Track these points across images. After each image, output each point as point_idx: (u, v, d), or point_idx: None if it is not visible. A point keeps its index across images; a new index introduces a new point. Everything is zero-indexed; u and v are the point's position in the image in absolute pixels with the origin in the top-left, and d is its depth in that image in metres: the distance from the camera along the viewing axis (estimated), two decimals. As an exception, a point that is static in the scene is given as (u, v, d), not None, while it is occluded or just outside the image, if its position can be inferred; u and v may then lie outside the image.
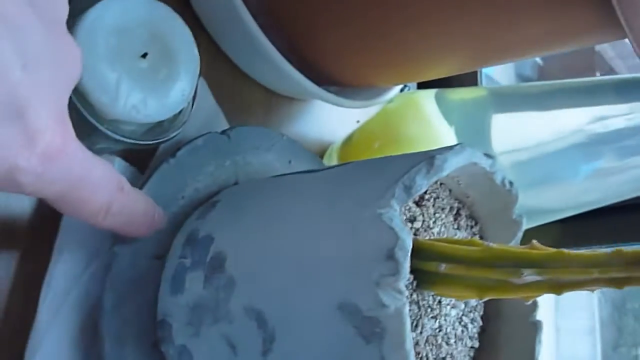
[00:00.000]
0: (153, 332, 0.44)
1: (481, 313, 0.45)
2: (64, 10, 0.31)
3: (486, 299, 0.38)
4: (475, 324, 0.44)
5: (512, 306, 0.46)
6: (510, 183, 0.43)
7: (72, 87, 0.32)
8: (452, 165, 0.37)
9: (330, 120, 0.66)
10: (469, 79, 0.84)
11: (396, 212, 0.34)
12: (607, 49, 2.39)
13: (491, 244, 0.37)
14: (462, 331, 0.43)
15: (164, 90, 0.41)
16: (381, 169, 0.38)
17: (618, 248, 0.34)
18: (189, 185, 0.47)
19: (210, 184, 0.48)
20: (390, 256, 0.33)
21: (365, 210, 0.35)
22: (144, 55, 0.40)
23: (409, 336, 0.32)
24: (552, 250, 0.36)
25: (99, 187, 0.35)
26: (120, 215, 0.37)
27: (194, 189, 0.47)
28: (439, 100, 0.58)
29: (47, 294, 0.43)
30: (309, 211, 0.39)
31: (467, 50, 0.50)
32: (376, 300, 0.32)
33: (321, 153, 0.64)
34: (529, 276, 0.35)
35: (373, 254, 0.33)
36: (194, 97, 0.45)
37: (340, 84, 0.59)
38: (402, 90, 0.75)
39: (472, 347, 0.44)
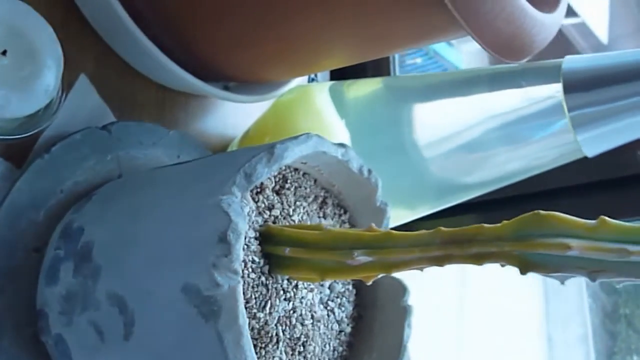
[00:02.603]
0: (33, 323, 0.49)
1: (351, 299, 0.50)
2: None
3: (328, 280, 0.43)
4: (343, 308, 0.49)
5: (386, 293, 0.51)
6: (369, 171, 0.48)
7: None
8: (294, 154, 0.42)
9: (233, 115, 0.71)
10: (383, 68, 0.89)
11: (236, 199, 0.39)
12: (579, 41, 2.46)
13: (330, 228, 0.42)
14: (328, 315, 0.48)
15: (27, 86, 0.45)
16: (230, 160, 0.43)
17: (438, 227, 0.39)
18: (67, 179, 0.51)
19: (91, 178, 0.52)
20: (223, 239, 0.38)
21: (210, 198, 0.40)
22: (4, 53, 0.45)
23: (243, 313, 0.37)
24: (383, 231, 0.41)
25: None
26: None
27: (73, 183, 0.52)
28: (333, 93, 0.62)
29: None
30: (164, 200, 0.44)
31: (350, 43, 0.55)
32: (212, 280, 0.37)
33: (224, 148, 0.69)
34: (361, 257, 0.40)
35: (210, 237, 0.38)
36: (63, 91, 0.49)
37: (237, 79, 0.64)
38: (309, 81, 0.80)
39: (341, 331, 0.49)
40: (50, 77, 0.47)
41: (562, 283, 0.38)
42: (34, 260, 0.50)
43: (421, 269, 0.40)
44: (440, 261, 0.39)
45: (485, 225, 0.38)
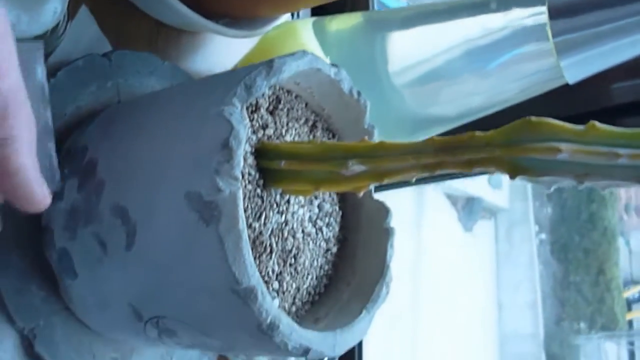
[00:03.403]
0: (38, 240, 0.48)
1: (337, 220, 0.50)
2: None
3: (322, 190, 0.42)
4: (331, 227, 0.49)
5: (369, 216, 0.51)
6: (358, 93, 0.48)
7: None
8: (291, 68, 0.42)
9: (221, 52, 0.70)
10: (361, 4, 0.87)
11: (237, 109, 0.39)
12: None
13: (325, 140, 0.42)
14: (317, 233, 0.48)
15: (37, 7, 0.45)
16: (231, 75, 0.43)
17: (431, 137, 0.39)
18: (70, 103, 0.51)
19: (92, 103, 0.52)
20: (225, 144, 0.37)
21: (212, 109, 0.39)
22: (17, -22, 0.44)
23: (242, 217, 0.37)
24: (375, 142, 0.40)
25: None
26: None
27: (76, 107, 0.51)
28: (316, 28, 0.61)
29: None
30: (167, 114, 0.43)
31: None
32: (214, 185, 0.37)
33: (213, 84, 0.69)
34: (355, 166, 0.40)
35: (213, 144, 0.38)
36: (69, 16, 0.49)
37: (227, 16, 0.63)
38: (292, 18, 0.79)
39: (328, 250, 0.49)
40: (58, 1, 0.46)
41: (549, 189, 0.38)
42: (40, 180, 0.49)
43: (413, 177, 0.40)
44: (432, 168, 0.39)
45: (477, 132, 0.38)
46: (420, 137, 0.58)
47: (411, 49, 0.58)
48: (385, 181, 0.40)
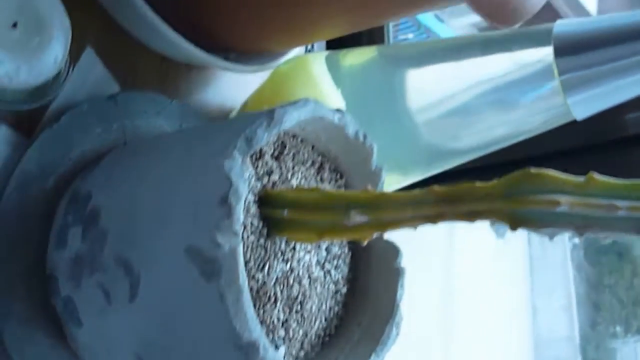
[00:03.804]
0: (43, 287, 0.49)
1: (346, 261, 0.50)
2: None
3: (325, 240, 0.43)
4: (339, 270, 0.49)
5: (380, 255, 0.51)
6: (364, 136, 0.48)
7: None
8: (293, 118, 0.42)
9: (232, 86, 0.70)
10: (377, 39, 0.88)
11: (237, 162, 0.39)
12: (568, 13, 2.45)
13: (327, 189, 0.42)
14: (325, 276, 0.48)
15: (36, 57, 0.45)
16: (231, 126, 0.43)
17: (431, 186, 0.39)
18: (75, 147, 0.51)
19: (98, 146, 0.52)
20: (225, 200, 0.37)
21: (211, 161, 0.39)
22: (14, 25, 0.45)
23: (243, 273, 0.37)
24: (378, 192, 0.41)
25: None
26: None
27: (81, 151, 0.51)
28: (329, 62, 0.61)
29: None
30: (167, 164, 0.44)
31: (344, 9, 0.54)
32: (213, 241, 0.37)
33: (224, 119, 0.69)
34: (357, 217, 0.40)
35: (212, 199, 0.38)
36: (71, 62, 0.49)
37: (237, 50, 0.63)
38: (306, 51, 0.80)
39: (337, 292, 0.49)
40: (59, 48, 0.46)
41: (551, 239, 0.38)
42: (44, 227, 0.49)
43: (415, 227, 0.40)
44: (433, 219, 0.39)
45: (477, 183, 0.38)
46: (436, 170, 0.59)
47: (427, 84, 0.58)
48: (388, 231, 0.40)
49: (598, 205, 0.35)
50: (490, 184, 0.37)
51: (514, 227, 0.37)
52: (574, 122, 0.53)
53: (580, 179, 0.35)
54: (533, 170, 0.36)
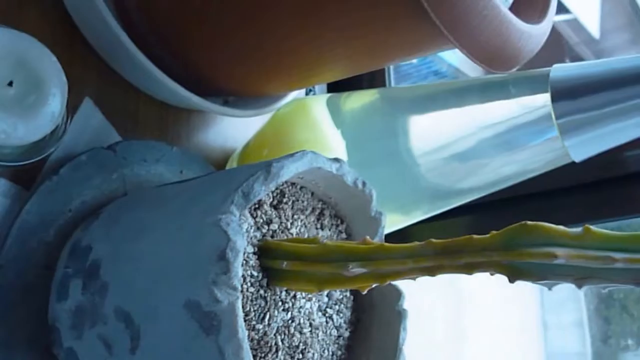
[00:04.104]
0: (45, 337, 0.49)
1: (349, 305, 0.50)
2: None
3: (325, 290, 0.43)
4: (342, 314, 0.49)
5: (382, 297, 0.51)
6: (363, 183, 0.48)
7: None
8: (290, 171, 0.42)
9: (233, 128, 0.71)
10: (379, 79, 0.89)
11: (234, 217, 0.39)
12: (571, 36, 2.46)
13: (326, 241, 0.42)
14: (327, 321, 0.48)
15: (33, 114, 0.46)
16: (229, 179, 0.43)
17: (429, 240, 0.39)
18: (75, 198, 0.51)
19: (98, 196, 0.53)
20: (222, 257, 0.38)
21: (209, 216, 0.40)
22: (10, 84, 0.45)
23: (242, 327, 0.37)
24: (376, 244, 0.41)
25: None
26: None
27: (81, 202, 0.52)
28: (330, 105, 0.62)
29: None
30: (165, 219, 0.44)
31: (342, 55, 0.55)
32: (212, 296, 0.37)
33: (226, 161, 0.69)
34: (355, 269, 0.40)
35: (210, 255, 0.38)
36: (68, 115, 0.50)
37: (236, 94, 0.64)
38: (307, 93, 0.80)
39: (340, 336, 0.49)
40: (55, 104, 0.47)
41: (550, 289, 0.38)
42: (45, 278, 0.50)
43: (414, 279, 0.40)
44: (431, 271, 0.39)
45: (475, 236, 0.38)
46: (437, 210, 0.59)
47: (428, 128, 0.59)
48: (387, 282, 0.40)
49: (595, 257, 0.35)
50: (488, 237, 0.38)
51: (512, 280, 0.37)
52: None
53: (576, 230, 0.36)
54: (529, 223, 0.37)
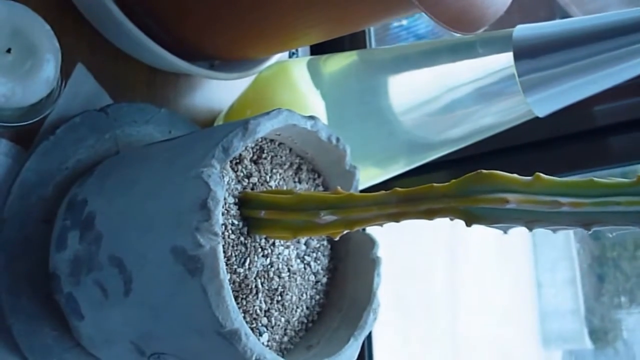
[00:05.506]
0: (47, 284, 0.52)
1: (326, 253, 0.53)
2: None
3: (300, 237, 0.46)
4: (319, 262, 0.52)
5: (358, 246, 0.54)
6: (337, 139, 0.51)
7: None
8: (266, 128, 0.45)
9: (219, 91, 0.73)
10: (360, 42, 0.91)
11: (215, 170, 0.42)
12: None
13: (300, 191, 0.45)
14: (305, 268, 0.51)
15: (29, 79, 0.48)
16: (210, 135, 0.46)
17: (395, 188, 0.42)
18: (70, 157, 0.54)
19: (92, 155, 0.55)
20: (204, 205, 0.40)
21: (192, 170, 0.43)
22: (9, 51, 0.48)
23: (223, 269, 0.40)
24: (346, 193, 0.44)
25: None
26: None
27: (76, 160, 0.54)
28: (310, 67, 0.64)
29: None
30: (153, 173, 0.47)
31: (320, 20, 0.57)
32: (195, 242, 0.40)
33: (212, 122, 0.72)
34: (327, 216, 0.43)
35: (193, 205, 0.41)
36: (63, 79, 0.53)
37: (221, 58, 0.66)
38: (290, 56, 0.82)
39: (317, 282, 0.52)
40: (50, 69, 0.50)
41: (505, 232, 0.41)
42: (45, 230, 0.52)
43: (380, 225, 0.43)
44: (396, 217, 0.42)
45: (435, 184, 0.41)
46: (413, 164, 0.62)
47: (402, 87, 0.61)
48: (356, 228, 0.43)
49: (543, 201, 0.37)
50: (446, 185, 0.40)
51: (468, 224, 0.40)
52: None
53: (527, 178, 0.38)
54: (484, 171, 0.39)
